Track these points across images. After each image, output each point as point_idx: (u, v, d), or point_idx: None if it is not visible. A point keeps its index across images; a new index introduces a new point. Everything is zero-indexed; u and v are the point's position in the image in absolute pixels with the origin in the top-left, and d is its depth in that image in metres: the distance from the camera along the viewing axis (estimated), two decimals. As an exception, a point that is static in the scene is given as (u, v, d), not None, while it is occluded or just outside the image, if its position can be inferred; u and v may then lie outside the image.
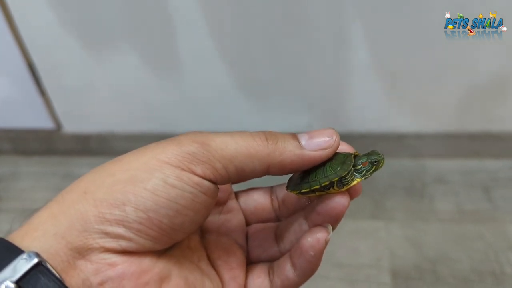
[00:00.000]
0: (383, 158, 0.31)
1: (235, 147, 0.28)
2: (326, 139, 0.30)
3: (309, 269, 0.30)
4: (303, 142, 0.30)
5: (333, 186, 0.30)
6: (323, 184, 0.30)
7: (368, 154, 0.31)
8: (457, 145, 1.06)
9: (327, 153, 0.30)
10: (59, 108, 1.13)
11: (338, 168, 0.30)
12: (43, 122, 1.15)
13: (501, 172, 1.04)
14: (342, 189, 0.30)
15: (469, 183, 1.03)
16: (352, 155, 0.31)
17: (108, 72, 1.03)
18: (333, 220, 0.31)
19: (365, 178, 0.30)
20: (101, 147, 1.18)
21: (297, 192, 0.31)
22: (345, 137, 1.06)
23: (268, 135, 0.29)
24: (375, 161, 0.30)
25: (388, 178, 1.06)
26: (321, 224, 0.31)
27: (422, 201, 1.00)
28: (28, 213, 0.27)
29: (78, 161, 1.19)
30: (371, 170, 0.31)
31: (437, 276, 0.86)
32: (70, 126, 1.17)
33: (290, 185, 0.33)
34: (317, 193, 0.31)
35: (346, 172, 0.29)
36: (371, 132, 1.06)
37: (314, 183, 0.30)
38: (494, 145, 1.05)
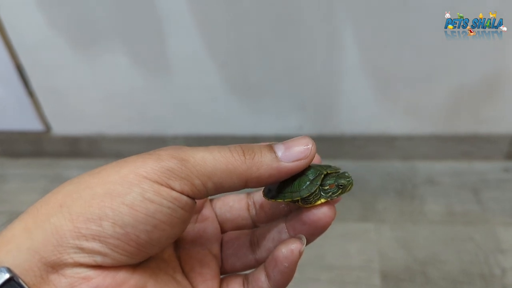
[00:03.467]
0: (351, 183, 0.31)
1: (214, 163, 0.28)
2: (302, 148, 0.30)
3: (283, 280, 0.31)
4: (279, 154, 0.30)
5: (298, 202, 0.31)
6: (285, 200, 0.31)
7: (337, 176, 0.31)
8: (447, 147, 1.07)
9: (303, 163, 0.30)
10: (48, 110, 1.12)
11: (304, 187, 0.30)
12: (32, 124, 1.14)
13: (491, 174, 1.05)
14: (307, 206, 0.31)
15: (459, 185, 1.03)
16: (323, 174, 0.31)
17: (97, 73, 1.02)
18: (318, 231, 0.31)
19: (331, 199, 0.30)
20: (90, 149, 1.17)
21: (268, 199, 0.32)
22: (336, 139, 1.06)
23: (245, 149, 0.29)
24: (341, 186, 0.30)
25: (379, 180, 1.06)
26: (295, 236, 0.31)
27: (412, 203, 1.00)
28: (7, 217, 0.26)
29: (67, 163, 1.18)
30: (337, 193, 0.30)
31: (427, 278, 0.86)
32: (59, 128, 1.16)
33: (265, 190, 0.33)
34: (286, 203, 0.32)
35: (308, 194, 0.30)
36: (362, 134, 1.06)
37: (281, 196, 0.31)
38: (484, 147, 1.06)
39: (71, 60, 1.00)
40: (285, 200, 0.31)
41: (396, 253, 0.90)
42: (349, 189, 0.31)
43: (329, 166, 0.32)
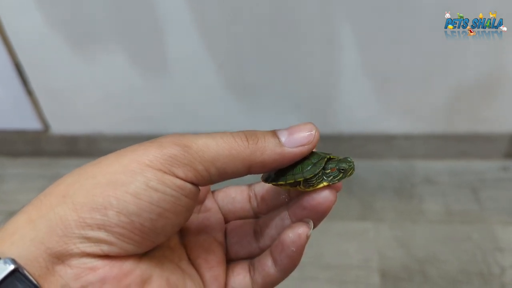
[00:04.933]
0: (352, 167, 0.31)
1: (217, 149, 0.28)
2: (306, 134, 0.30)
3: (290, 264, 0.30)
4: (283, 139, 0.29)
5: (299, 185, 0.31)
6: (288, 182, 0.30)
7: (339, 161, 0.31)
8: (446, 146, 1.07)
9: (307, 149, 0.30)
10: (46, 109, 1.12)
11: (307, 169, 0.30)
12: (31, 123, 1.14)
13: (489, 173, 1.05)
14: (308, 189, 0.31)
15: (457, 184, 1.03)
16: (326, 158, 0.31)
17: (96, 72, 1.02)
18: (319, 216, 0.31)
19: (332, 183, 0.31)
20: (89, 148, 1.17)
21: (268, 182, 0.32)
22: (334, 138, 1.06)
23: (248, 134, 0.29)
24: (343, 169, 0.31)
25: (377, 179, 1.06)
26: (302, 220, 0.31)
27: (410, 202, 1.00)
28: (5, 217, 0.26)
29: (65, 163, 1.18)
30: (339, 177, 0.31)
31: (426, 277, 0.86)
32: (58, 127, 1.16)
33: (264, 176, 0.33)
34: (286, 187, 0.32)
35: (312, 175, 0.30)
36: (360, 133, 1.06)
37: (282, 179, 0.31)
38: (482, 146, 1.06)
39: (70, 59, 1.00)
40: (288, 182, 0.30)
41: (394, 252, 0.91)
42: (350, 174, 0.31)
43: (331, 154, 0.32)
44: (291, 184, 0.31)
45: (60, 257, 0.25)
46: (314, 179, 0.30)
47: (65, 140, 1.17)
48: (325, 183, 0.30)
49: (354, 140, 1.07)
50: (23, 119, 1.14)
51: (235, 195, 0.36)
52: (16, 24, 0.97)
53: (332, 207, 0.31)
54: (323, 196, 0.30)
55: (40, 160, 1.20)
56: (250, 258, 0.34)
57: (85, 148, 1.17)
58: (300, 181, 0.30)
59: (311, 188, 0.30)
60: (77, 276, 0.25)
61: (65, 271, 0.25)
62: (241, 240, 0.34)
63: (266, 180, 0.32)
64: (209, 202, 0.36)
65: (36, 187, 1.12)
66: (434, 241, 0.92)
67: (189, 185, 0.27)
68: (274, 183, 0.31)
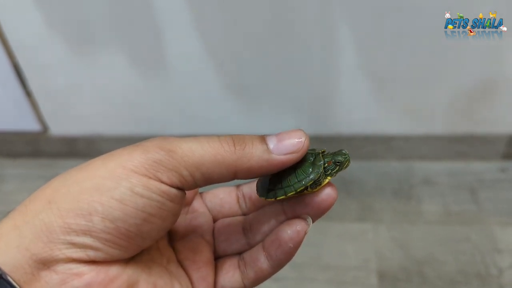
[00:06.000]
0: (348, 159, 0.31)
1: (202, 154, 0.27)
2: (295, 141, 0.29)
3: (285, 260, 0.30)
4: (271, 146, 0.29)
5: (307, 189, 0.30)
6: (298, 190, 0.29)
7: (334, 154, 0.31)
8: (444, 147, 1.07)
9: (296, 157, 0.29)
10: (45, 110, 1.12)
11: (310, 171, 0.29)
12: (29, 124, 1.14)
13: (487, 174, 1.05)
14: (315, 190, 0.30)
15: (456, 185, 1.03)
16: (320, 154, 0.31)
17: (95, 73, 1.02)
18: (321, 212, 0.31)
19: (331, 177, 0.30)
20: (88, 149, 1.17)
21: (272, 199, 0.31)
22: (332, 139, 1.06)
23: (235, 139, 0.29)
24: (338, 162, 0.30)
25: (376, 180, 1.06)
26: (299, 216, 0.31)
27: (409, 203, 1.00)
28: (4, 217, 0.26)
29: (64, 164, 1.18)
30: (336, 170, 0.30)
31: (424, 278, 0.86)
32: (57, 128, 1.16)
33: (261, 191, 0.32)
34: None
35: (318, 175, 0.29)
36: (359, 134, 1.06)
37: (289, 189, 0.30)
38: (481, 147, 1.06)
39: (69, 60, 1.00)
40: (298, 190, 0.29)
41: (393, 253, 0.91)
42: (346, 166, 0.31)
43: (319, 149, 0.32)
44: (301, 191, 0.30)
45: (46, 263, 0.25)
46: (321, 177, 0.30)
47: (64, 141, 1.17)
48: (329, 178, 0.30)
49: (353, 141, 1.07)
50: (22, 120, 1.14)
51: (223, 196, 0.36)
52: (14, 25, 0.97)
53: (334, 203, 0.31)
54: (326, 193, 0.30)
55: (39, 161, 1.20)
56: (239, 254, 0.34)
57: (84, 149, 1.17)
58: (310, 184, 0.29)
59: (318, 188, 0.30)
60: (62, 282, 0.25)
61: (51, 277, 0.25)
62: (229, 238, 0.34)
63: (267, 196, 0.31)
64: (197, 204, 0.36)
65: (36, 187, 1.10)
66: (433, 242, 0.92)
67: (174, 190, 0.27)
68: (282, 197, 0.30)
